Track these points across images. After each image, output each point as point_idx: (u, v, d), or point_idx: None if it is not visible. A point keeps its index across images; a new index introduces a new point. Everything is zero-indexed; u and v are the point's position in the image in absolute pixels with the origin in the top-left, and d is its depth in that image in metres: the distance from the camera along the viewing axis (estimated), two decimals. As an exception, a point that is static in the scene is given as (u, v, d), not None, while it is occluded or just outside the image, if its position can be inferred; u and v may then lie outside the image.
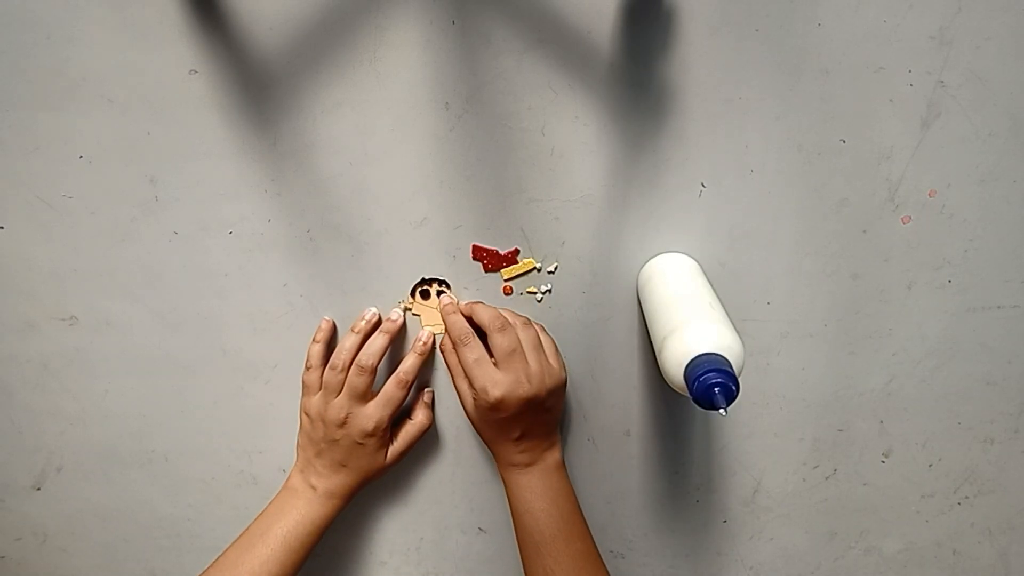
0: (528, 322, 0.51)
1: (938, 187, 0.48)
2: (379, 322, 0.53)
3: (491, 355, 0.49)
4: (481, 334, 0.50)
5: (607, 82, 0.46)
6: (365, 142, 0.48)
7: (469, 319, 0.51)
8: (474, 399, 0.50)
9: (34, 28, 0.46)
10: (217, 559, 0.50)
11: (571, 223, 0.50)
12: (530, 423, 0.50)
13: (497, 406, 0.48)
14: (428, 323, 0.53)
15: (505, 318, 0.49)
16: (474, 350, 0.49)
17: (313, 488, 0.53)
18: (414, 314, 0.53)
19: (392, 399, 0.51)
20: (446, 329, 0.52)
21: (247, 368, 0.55)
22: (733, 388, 0.34)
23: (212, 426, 0.58)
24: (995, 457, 0.57)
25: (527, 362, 0.48)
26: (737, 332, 0.39)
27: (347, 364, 0.51)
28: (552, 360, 0.50)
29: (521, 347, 0.48)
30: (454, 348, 0.51)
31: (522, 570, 0.52)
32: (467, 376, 0.50)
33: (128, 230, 0.51)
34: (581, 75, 0.46)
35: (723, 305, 0.43)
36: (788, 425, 0.56)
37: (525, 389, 0.48)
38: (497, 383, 0.48)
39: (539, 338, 0.50)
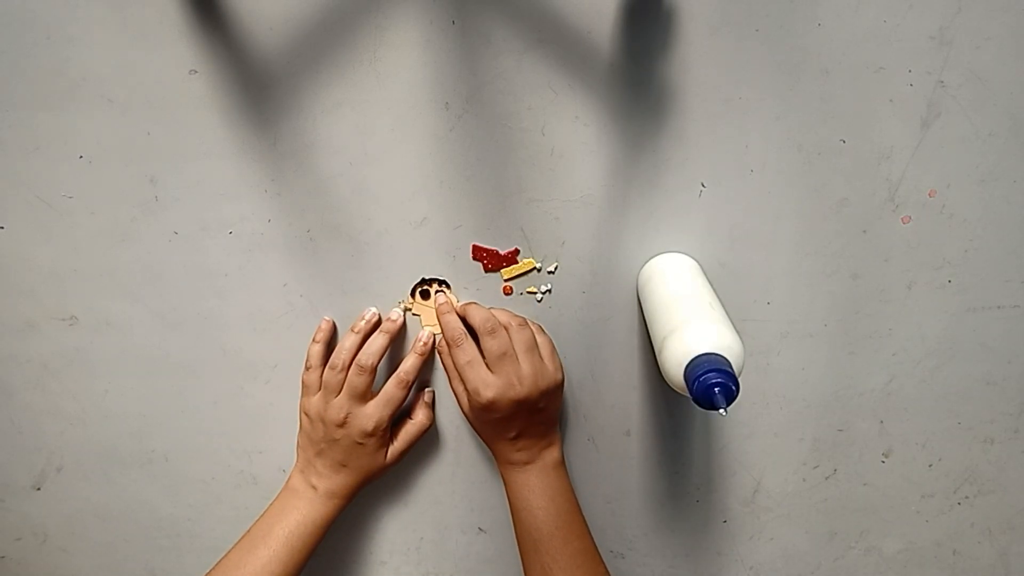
0: (524, 323, 0.51)
1: (938, 187, 0.48)
2: (379, 322, 0.53)
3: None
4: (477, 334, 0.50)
5: (607, 82, 0.46)
6: (365, 142, 0.48)
7: (464, 319, 0.51)
8: (468, 400, 0.50)
9: (34, 28, 0.46)
10: (220, 561, 0.50)
11: (571, 223, 0.50)
12: (526, 423, 0.50)
13: (489, 407, 0.48)
14: (428, 323, 0.53)
15: (496, 320, 0.49)
16: (467, 352, 0.49)
17: (314, 488, 0.53)
18: (414, 314, 0.53)
19: (392, 399, 0.51)
20: (440, 330, 0.52)
21: (247, 368, 0.55)
22: (733, 388, 0.34)
23: (212, 426, 0.58)
24: (995, 457, 0.57)
25: (519, 364, 0.48)
26: (737, 332, 0.39)
27: (347, 364, 0.51)
28: (547, 361, 0.50)
29: (513, 349, 0.48)
30: (448, 349, 0.51)
31: (522, 570, 0.52)
32: (460, 378, 0.50)
33: (128, 230, 0.51)
34: (581, 75, 0.46)
35: (723, 305, 0.43)
36: (788, 425, 0.56)
37: (516, 391, 0.48)
38: (489, 385, 0.48)
39: (534, 339, 0.50)
